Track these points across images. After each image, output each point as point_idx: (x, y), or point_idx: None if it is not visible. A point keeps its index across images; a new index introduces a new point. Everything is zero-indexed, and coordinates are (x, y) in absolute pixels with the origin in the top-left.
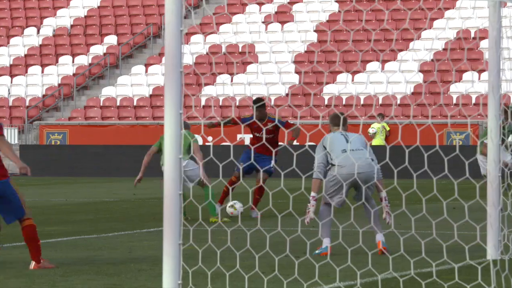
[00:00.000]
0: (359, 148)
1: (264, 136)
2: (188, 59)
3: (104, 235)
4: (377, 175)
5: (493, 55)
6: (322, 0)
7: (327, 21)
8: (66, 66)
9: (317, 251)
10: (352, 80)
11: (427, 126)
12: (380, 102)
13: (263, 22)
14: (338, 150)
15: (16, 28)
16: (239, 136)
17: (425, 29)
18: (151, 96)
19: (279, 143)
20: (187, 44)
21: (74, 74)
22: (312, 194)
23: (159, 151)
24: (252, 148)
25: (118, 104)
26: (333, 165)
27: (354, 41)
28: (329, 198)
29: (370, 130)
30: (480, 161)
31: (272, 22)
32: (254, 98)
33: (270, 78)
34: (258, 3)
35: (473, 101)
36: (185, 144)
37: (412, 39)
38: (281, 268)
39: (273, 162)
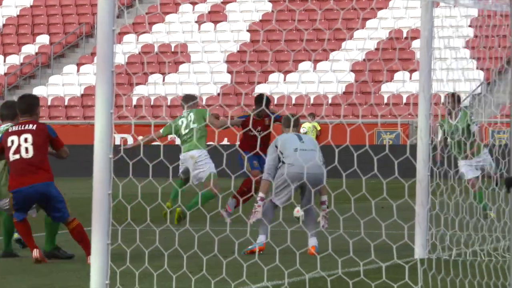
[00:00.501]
0: (312, 148)
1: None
2: (120, 59)
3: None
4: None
5: (425, 55)
6: (255, 0)
7: (260, 20)
8: None
9: (250, 247)
10: (284, 79)
11: (357, 125)
12: (312, 101)
13: (196, 22)
14: (290, 149)
15: None
16: (169, 136)
17: (358, 29)
18: (82, 95)
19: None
20: (120, 43)
21: (5, 74)
22: (260, 195)
23: (162, 137)
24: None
25: (49, 103)
26: (284, 163)
27: (286, 40)
28: (275, 196)
29: (301, 130)
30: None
31: (205, 22)
32: (186, 95)
33: (202, 77)
34: (191, 3)
35: (404, 100)
36: (197, 127)
37: (344, 39)
38: (209, 268)
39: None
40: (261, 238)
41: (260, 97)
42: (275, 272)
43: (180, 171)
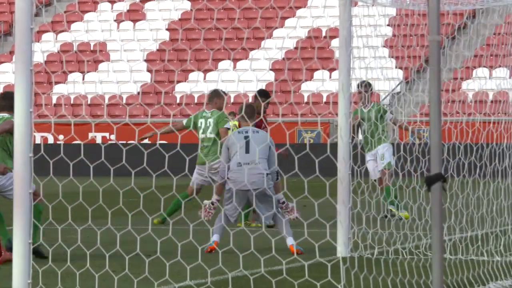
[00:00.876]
0: (254, 160)
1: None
2: (39, 57)
3: None
4: (272, 178)
5: (344, 54)
6: None
7: (179, 19)
8: None
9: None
10: (204, 78)
11: (277, 124)
12: (232, 100)
13: (115, 21)
14: (234, 162)
15: None
16: (90, 134)
17: (277, 28)
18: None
19: None
20: (38, 42)
21: None
22: (215, 197)
23: (184, 128)
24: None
25: None
26: (228, 177)
27: (206, 39)
28: (225, 208)
29: None
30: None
31: (124, 21)
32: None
33: (121, 76)
34: (109, 1)
35: (324, 99)
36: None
37: (263, 38)
38: (132, 267)
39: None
40: (214, 237)
41: (264, 92)
42: (198, 271)
43: (198, 183)
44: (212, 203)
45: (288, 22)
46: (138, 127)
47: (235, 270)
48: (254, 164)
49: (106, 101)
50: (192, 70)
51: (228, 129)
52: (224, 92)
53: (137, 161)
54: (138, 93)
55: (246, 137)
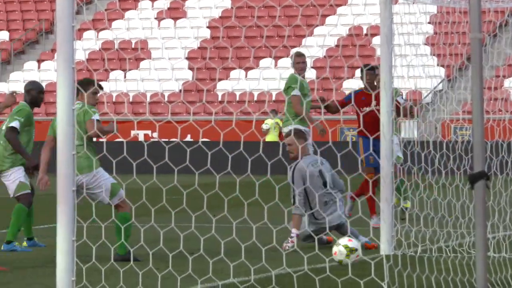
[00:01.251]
0: (334, 195)
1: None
2: (81, 55)
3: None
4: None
5: (385, 51)
6: None
7: (220, 17)
8: None
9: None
10: (246, 76)
11: (319, 121)
12: (274, 98)
13: (155, 18)
14: (320, 201)
15: None
16: (133, 132)
17: (317, 25)
18: (44, 92)
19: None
20: (80, 40)
21: None
22: (294, 231)
23: None
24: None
25: None
26: (310, 210)
27: (246, 37)
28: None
29: (264, 126)
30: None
31: (164, 18)
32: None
33: (163, 74)
34: None
35: None
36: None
37: (304, 36)
38: (175, 264)
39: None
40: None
41: (371, 66)
42: (241, 269)
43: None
44: (291, 237)
45: (328, 19)
46: (180, 125)
47: (278, 268)
48: (336, 198)
49: (148, 99)
50: (234, 68)
51: (295, 95)
52: (299, 54)
53: (179, 158)
54: (180, 91)
55: (320, 172)
